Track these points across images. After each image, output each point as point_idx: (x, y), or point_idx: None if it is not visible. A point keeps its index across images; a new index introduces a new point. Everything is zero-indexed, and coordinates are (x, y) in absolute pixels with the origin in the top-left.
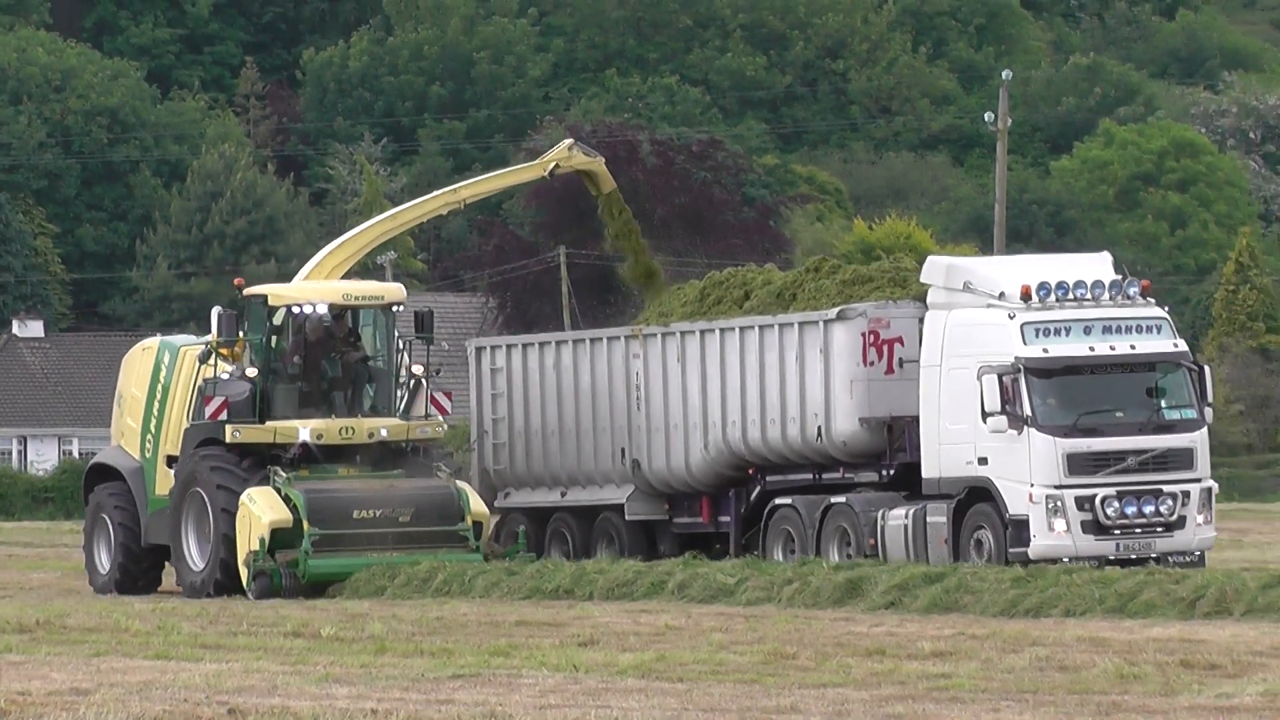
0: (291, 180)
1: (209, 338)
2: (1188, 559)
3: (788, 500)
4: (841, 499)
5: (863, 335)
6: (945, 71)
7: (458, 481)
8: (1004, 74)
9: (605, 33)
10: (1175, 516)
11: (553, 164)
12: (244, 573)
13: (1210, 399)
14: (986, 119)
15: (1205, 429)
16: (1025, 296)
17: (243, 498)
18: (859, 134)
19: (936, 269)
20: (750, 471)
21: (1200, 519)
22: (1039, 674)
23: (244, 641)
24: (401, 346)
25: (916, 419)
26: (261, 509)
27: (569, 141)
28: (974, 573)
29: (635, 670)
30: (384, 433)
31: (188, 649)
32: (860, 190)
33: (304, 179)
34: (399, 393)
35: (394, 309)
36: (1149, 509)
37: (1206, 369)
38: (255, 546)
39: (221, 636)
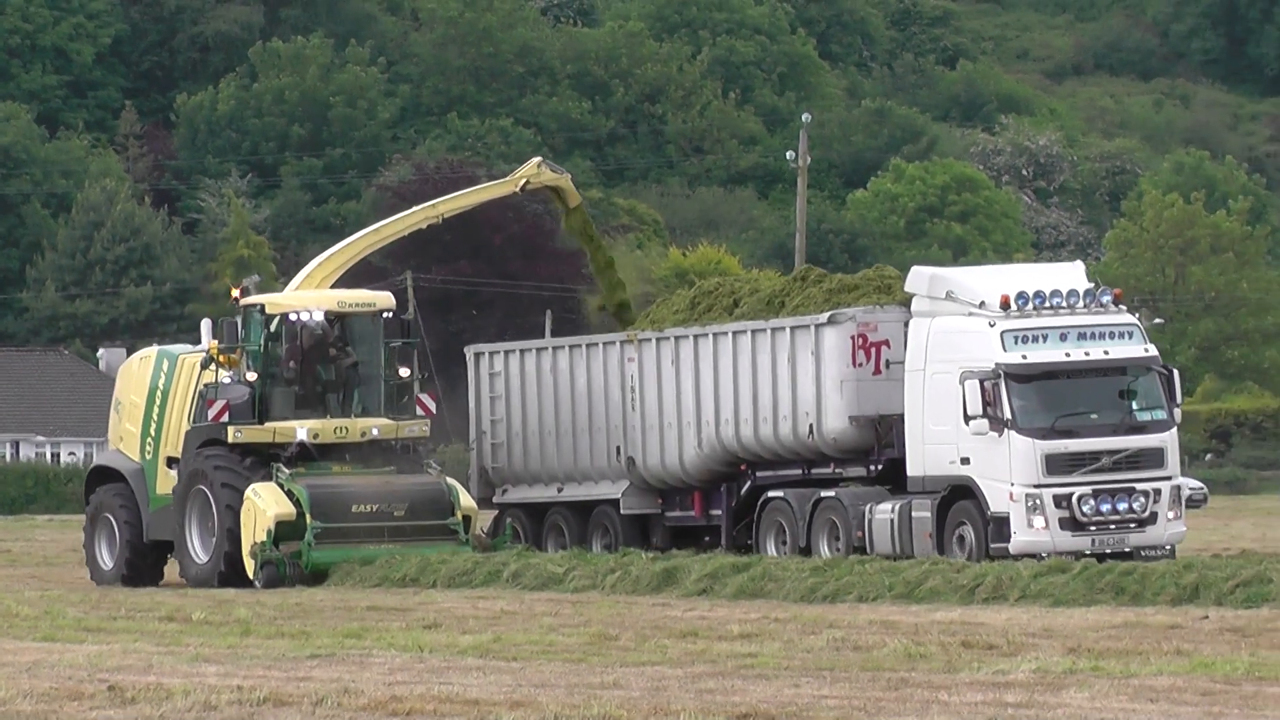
0: (166, 211)
1: (203, 346)
2: (1159, 553)
3: (780, 493)
4: (831, 493)
5: (852, 338)
6: (751, 115)
7: (448, 478)
8: (804, 117)
9: (447, 80)
10: (1147, 513)
11: (523, 180)
12: (249, 563)
13: (1180, 401)
14: (788, 157)
15: (1175, 429)
16: (1005, 305)
17: (247, 492)
18: (675, 170)
19: (920, 278)
20: (742, 467)
21: (1171, 515)
22: (835, 653)
23: (123, 625)
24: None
25: (903, 417)
26: (267, 503)
27: (537, 160)
28: (777, 563)
29: (474, 650)
30: (375, 432)
31: (72, 632)
32: (675, 221)
33: (177, 210)
34: (407, 397)
35: (383, 316)
36: (1122, 506)
37: (1175, 373)
38: (261, 538)
39: (103, 620)
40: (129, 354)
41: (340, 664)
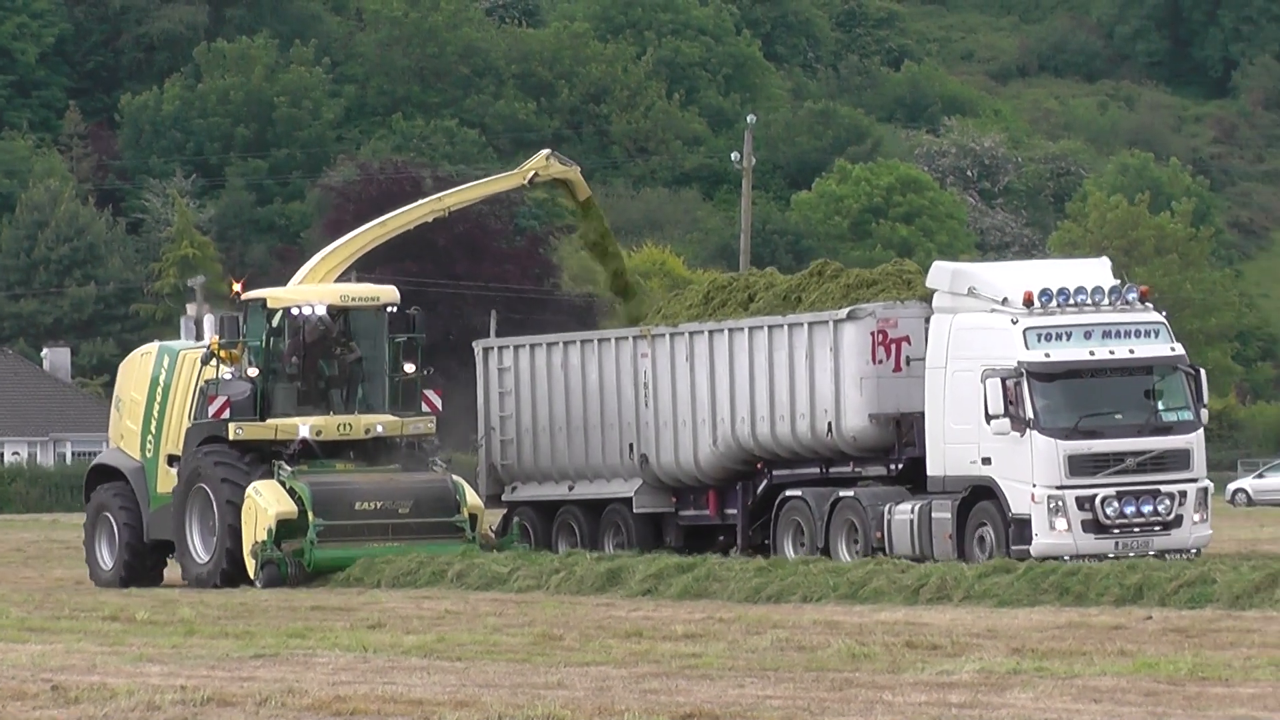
0: (110, 211)
1: (204, 342)
2: (1184, 557)
3: (798, 493)
4: (850, 493)
5: (871, 334)
6: (696, 116)
7: (453, 475)
8: (749, 118)
9: (392, 80)
10: (1172, 516)
11: (531, 173)
12: (250, 563)
13: (1206, 401)
14: (733, 158)
15: (1201, 430)
16: (1028, 302)
17: (249, 490)
18: (619, 171)
19: (942, 274)
20: (758, 466)
21: (1197, 518)
22: (779, 653)
23: (66, 625)
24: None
25: (924, 415)
26: (268, 501)
27: (546, 152)
28: (721, 563)
29: (418, 650)
30: (379, 428)
31: (15, 632)
32: (620, 222)
33: (121, 210)
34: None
35: (387, 310)
36: (1147, 508)
37: (1203, 372)
38: (262, 537)
39: (46, 620)
40: (73, 354)
41: (284, 664)
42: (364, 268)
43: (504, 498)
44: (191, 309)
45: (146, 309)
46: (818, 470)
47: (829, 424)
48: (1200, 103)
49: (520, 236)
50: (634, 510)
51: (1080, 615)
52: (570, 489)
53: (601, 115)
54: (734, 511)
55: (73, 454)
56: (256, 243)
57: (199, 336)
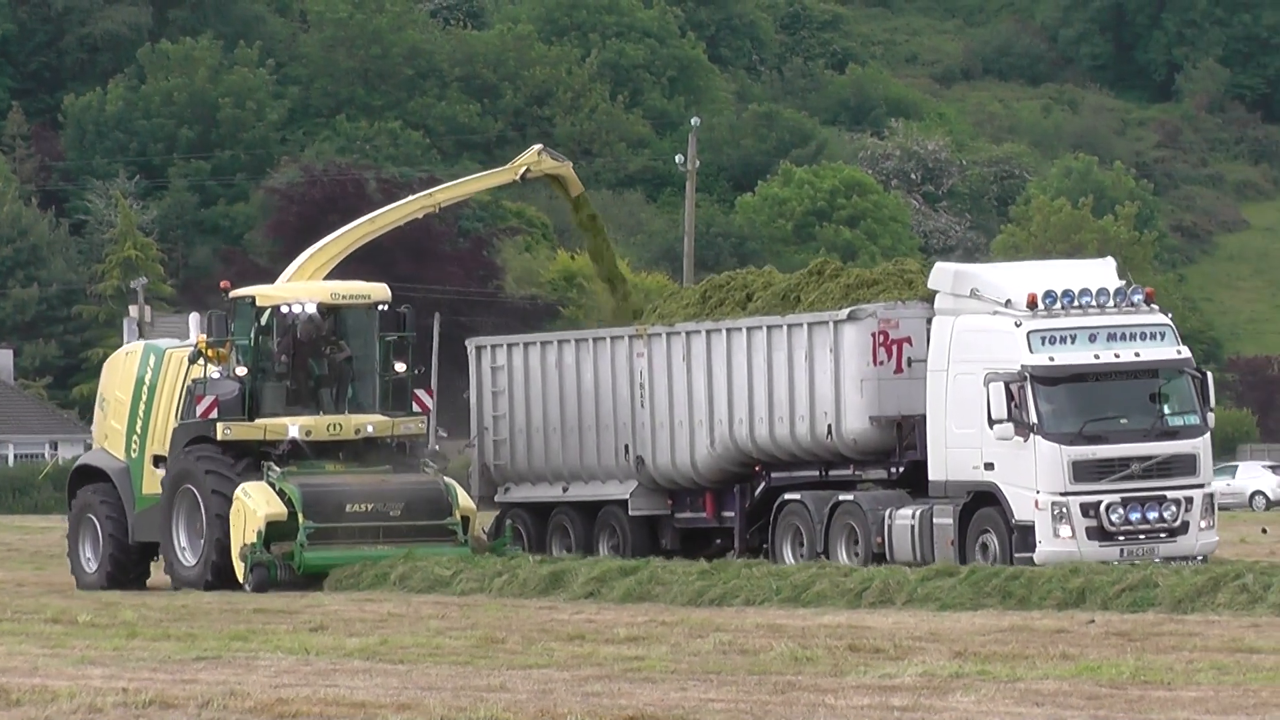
0: (53, 212)
1: (191, 341)
2: (1190, 564)
3: (797, 496)
4: (850, 497)
5: (872, 335)
6: (640, 118)
7: (445, 477)
8: (693, 121)
9: (336, 82)
10: (1178, 522)
11: (523, 168)
12: (239, 565)
13: (1213, 405)
14: (677, 160)
15: (1208, 435)
16: (1031, 304)
17: (237, 492)
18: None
19: (944, 275)
20: (756, 468)
21: (1203, 524)
22: (722, 657)
23: (7, 627)
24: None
25: (925, 418)
26: (257, 503)
27: (538, 147)
28: (664, 566)
29: (361, 653)
30: (370, 429)
31: None
32: (563, 224)
33: (65, 211)
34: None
35: (378, 308)
36: (1153, 515)
37: (1209, 376)
38: (251, 540)
39: None
40: (16, 356)
41: (226, 666)
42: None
43: (497, 499)
44: (134, 310)
45: (89, 310)
46: (817, 473)
47: (829, 426)
48: (1144, 106)
49: (464, 239)
50: (629, 512)
51: (1023, 619)
52: (565, 490)
53: (545, 117)
54: (731, 514)
55: (15, 456)
56: (200, 244)
57: (142, 339)
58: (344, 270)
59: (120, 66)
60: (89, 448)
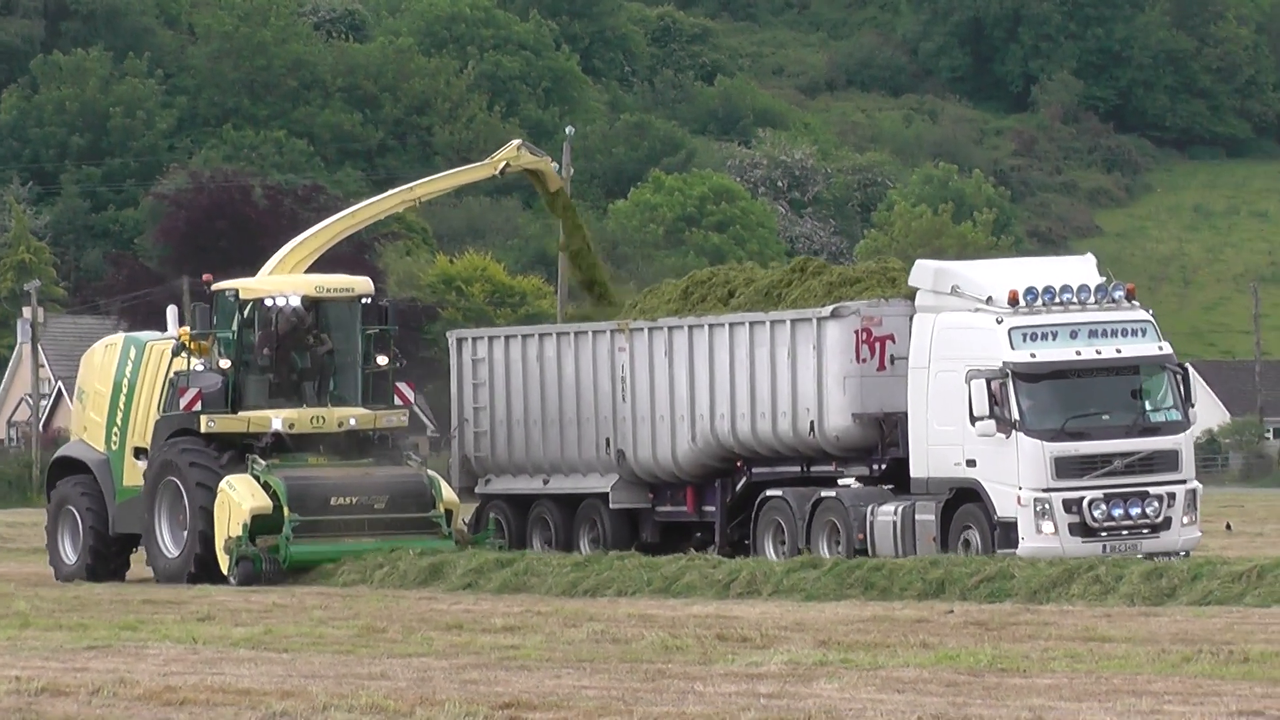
0: None
1: (171, 333)
2: (1174, 559)
3: (778, 492)
4: (832, 493)
5: (855, 332)
6: (517, 127)
7: (429, 470)
8: (567, 130)
9: (223, 92)
10: (1161, 518)
11: (502, 163)
12: (224, 559)
13: (1194, 401)
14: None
15: (1190, 431)
16: (1012, 301)
17: (222, 485)
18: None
19: (925, 272)
20: (737, 464)
21: (1185, 520)
22: (595, 645)
23: None
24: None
25: (908, 415)
26: (242, 496)
27: (516, 142)
28: (539, 558)
29: (246, 642)
30: (353, 421)
31: None
32: (443, 229)
33: None
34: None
35: (360, 302)
36: (1135, 511)
37: (1190, 371)
38: (236, 533)
39: None
40: None
41: (117, 655)
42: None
43: (477, 490)
44: (27, 312)
45: None
46: (798, 469)
47: (811, 423)
48: (1001, 117)
49: (346, 243)
50: (610, 506)
51: (884, 609)
52: (545, 483)
53: (425, 127)
54: (712, 508)
55: None
56: (91, 248)
57: (35, 339)
58: (231, 273)
59: (14, 77)
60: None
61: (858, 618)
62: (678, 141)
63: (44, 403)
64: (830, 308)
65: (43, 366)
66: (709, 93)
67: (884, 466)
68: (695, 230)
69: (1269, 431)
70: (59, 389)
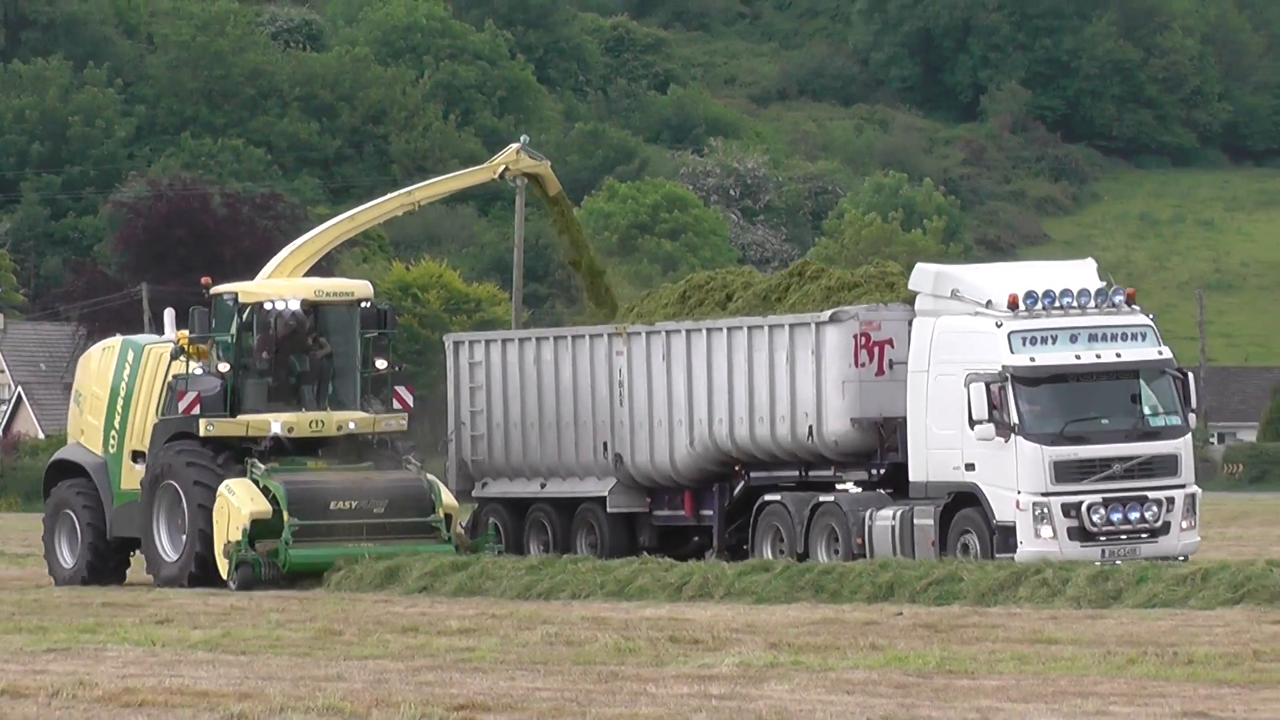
0: None
1: (168, 337)
2: (1173, 564)
3: (777, 497)
4: (830, 498)
5: (854, 337)
6: (472, 136)
7: (428, 475)
8: (522, 138)
9: (181, 101)
10: (1160, 522)
11: (502, 167)
12: (223, 563)
13: (1194, 405)
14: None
15: (1189, 435)
16: (1012, 305)
17: (221, 489)
18: (399, 189)
19: (925, 276)
20: (736, 468)
21: (1184, 524)
22: (549, 648)
23: None
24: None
25: (906, 419)
26: (241, 500)
27: (516, 145)
28: (494, 562)
29: (204, 644)
30: (352, 425)
31: None
32: (399, 236)
33: None
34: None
35: (359, 306)
36: (1134, 515)
37: (1190, 376)
38: (236, 537)
39: None
40: None
41: (76, 658)
42: (154, 280)
43: (474, 493)
44: None
45: None
46: (796, 473)
47: (810, 427)
48: (950, 126)
49: None
50: (607, 510)
51: (834, 612)
52: (542, 486)
53: (381, 135)
54: (710, 513)
55: None
56: (51, 255)
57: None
58: (184, 280)
59: None
60: None
61: (808, 620)
62: (631, 150)
63: (3, 408)
64: (829, 312)
65: (2, 372)
66: (662, 102)
67: (882, 471)
68: (648, 237)
69: (1213, 437)
70: (19, 394)
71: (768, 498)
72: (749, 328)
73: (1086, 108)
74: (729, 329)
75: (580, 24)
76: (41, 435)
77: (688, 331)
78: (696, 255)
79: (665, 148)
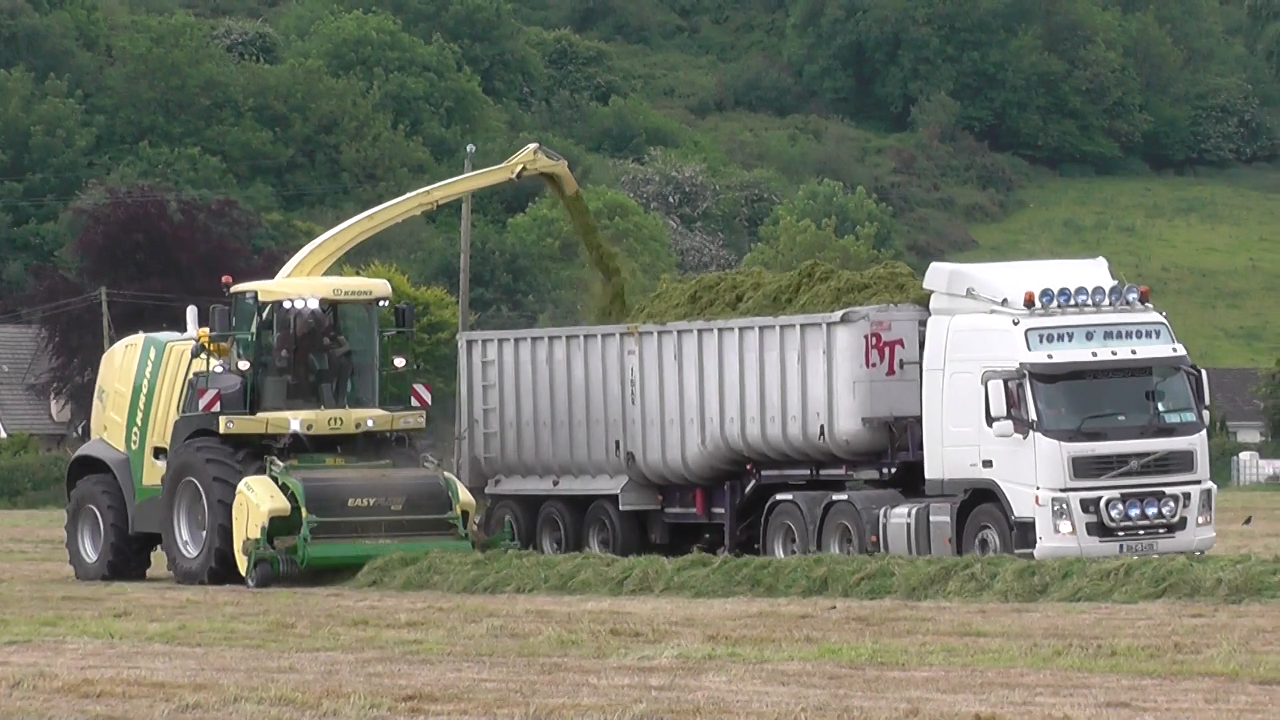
0: None
1: (190, 334)
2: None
3: (789, 496)
4: (843, 496)
5: (865, 337)
6: (420, 145)
7: (445, 472)
8: (469, 148)
9: (139, 111)
10: (1177, 518)
11: (519, 167)
12: (242, 560)
13: (1208, 402)
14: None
15: (1204, 432)
16: (1028, 303)
17: (240, 486)
18: (349, 196)
19: (939, 275)
20: (747, 466)
21: (1200, 519)
22: (494, 640)
23: None
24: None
25: (917, 419)
26: (260, 497)
27: (534, 146)
28: (442, 556)
29: (161, 637)
30: (370, 423)
31: None
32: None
33: None
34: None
35: (378, 304)
36: (1151, 511)
37: (1204, 373)
38: (255, 534)
39: None
40: None
41: (36, 650)
42: (112, 284)
43: (487, 490)
44: None
45: None
46: (807, 472)
47: (821, 427)
48: (882, 135)
49: (258, 255)
50: (619, 507)
51: (770, 605)
52: (555, 484)
53: (332, 144)
54: (721, 510)
55: None
56: (13, 260)
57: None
58: (142, 285)
59: None
60: None
61: (745, 613)
62: (573, 159)
63: None
64: (840, 313)
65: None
66: (603, 112)
67: (893, 470)
68: None
69: None
70: None
71: (779, 496)
72: (760, 328)
73: (1013, 118)
74: (740, 329)
75: (525, 37)
76: (4, 434)
77: (699, 331)
78: (636, 260)
79: (607, 156)
